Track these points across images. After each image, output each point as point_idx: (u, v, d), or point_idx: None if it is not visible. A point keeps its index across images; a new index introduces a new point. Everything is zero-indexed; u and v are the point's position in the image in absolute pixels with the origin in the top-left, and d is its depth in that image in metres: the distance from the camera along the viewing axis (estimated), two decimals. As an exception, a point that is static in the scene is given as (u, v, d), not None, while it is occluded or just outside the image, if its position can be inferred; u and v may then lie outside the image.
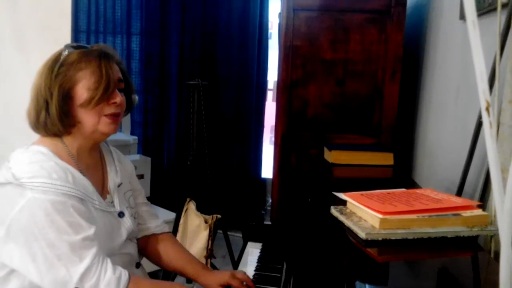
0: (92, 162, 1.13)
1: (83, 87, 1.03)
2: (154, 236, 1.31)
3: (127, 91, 1.16)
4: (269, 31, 3.41)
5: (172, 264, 1.28)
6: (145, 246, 1.30)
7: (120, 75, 1.11)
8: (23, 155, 1.00)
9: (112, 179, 1.17)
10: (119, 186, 1.18)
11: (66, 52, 1.06)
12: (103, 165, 1.19)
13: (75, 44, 1.10)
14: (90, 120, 1.05)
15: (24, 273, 0.97)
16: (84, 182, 1.04)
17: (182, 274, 1.29)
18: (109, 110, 1.06)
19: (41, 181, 0.94)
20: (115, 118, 1.08)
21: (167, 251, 1.29)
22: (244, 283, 1.18)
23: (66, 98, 1.03)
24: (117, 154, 1.27)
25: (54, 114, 1.02)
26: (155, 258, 1.31)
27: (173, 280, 2.35)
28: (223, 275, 1.19)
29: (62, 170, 0.99)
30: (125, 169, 1.26)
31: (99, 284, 0.95)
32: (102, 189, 1.14)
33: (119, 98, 1.07)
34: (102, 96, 1.04)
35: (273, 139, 2.02)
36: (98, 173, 1.15)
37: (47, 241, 0.93)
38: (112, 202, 1.14)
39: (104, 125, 1.06)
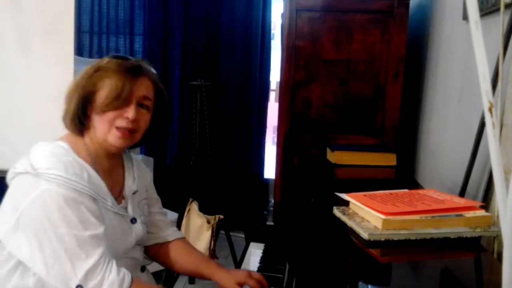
0: (109, 167, 1.14)
1: (103, 94, 1.06)
2: (167, 243, 1.32)
3: (158, 113, 1.16)
4: (272, 31, 3.41)
5: (186, 267, 1.29)
6: (158, 253, 1.31)
7: (149, 93, 1.11)
8: (45, 148, 1.02)
9: (129, 186, 1.19)
10: (134, 193, 1.19)
11: (105, 59, 1.10)
12: (123, 172, 1.20)
13: (117, 54, 1.13)
14: (101, 127, 1.07)
15: (30, 264, 0.98)
16: (99, 182, 1.06)
17: (197, 276, 1.29)
18: (121, 123, 1.07)
19: (57, 174, 0.96)
20: (125, 133, 1.08)
21: (180, 256, 1.30)
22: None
23: (88, 100, 1.07)
24: (137, 162, 1.28)
25: (71, 111, 1.07)
26: (169, 264, 1.32)
27: (175, 280, 2.36)
28: (241, 274, 1.18)
29: (78, 167, 1.01)
30: (143, 178, 1.28)
31: (102, 284, 0.96)
32: (119, 194, 1.16)
33: (131, 113, 1.06)
34: (112, 104, 1.05)
35: (275, 139, 2.02)
36: (116, 179, 1.17)
37: (57, 234, 0.94)
38: (126, 208, 1.16)
39: (113, 136, 1.07)
